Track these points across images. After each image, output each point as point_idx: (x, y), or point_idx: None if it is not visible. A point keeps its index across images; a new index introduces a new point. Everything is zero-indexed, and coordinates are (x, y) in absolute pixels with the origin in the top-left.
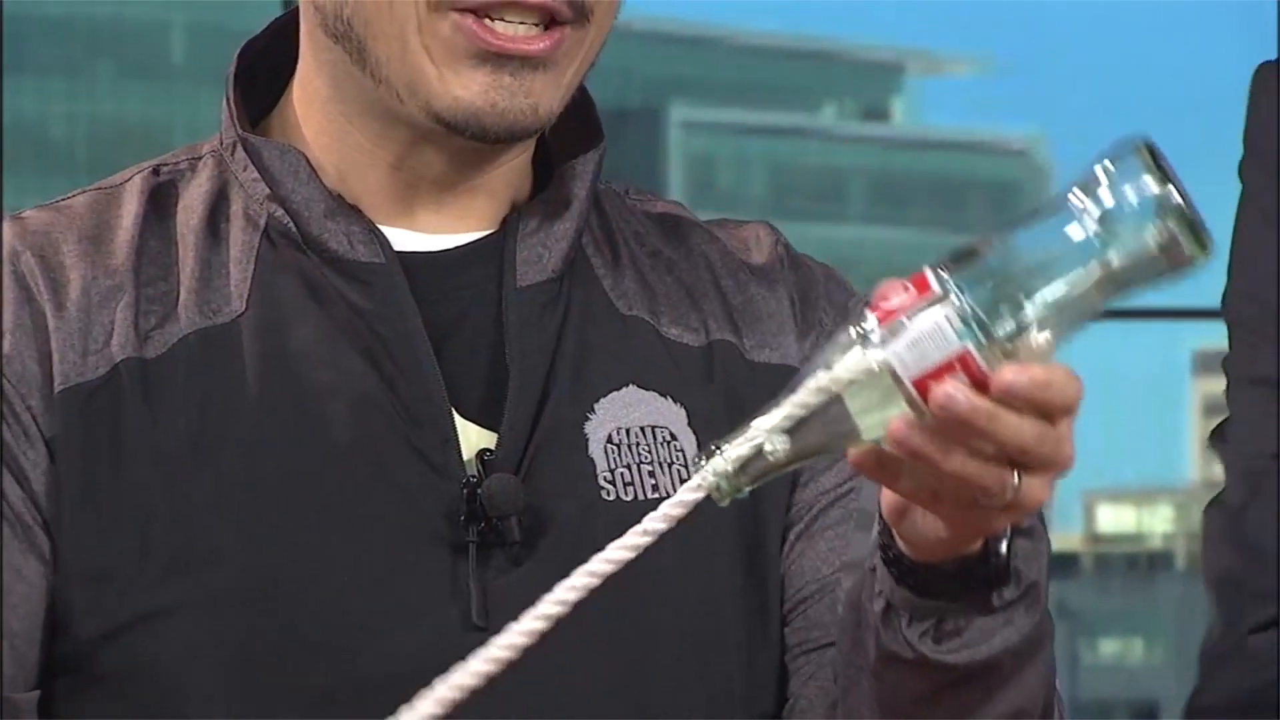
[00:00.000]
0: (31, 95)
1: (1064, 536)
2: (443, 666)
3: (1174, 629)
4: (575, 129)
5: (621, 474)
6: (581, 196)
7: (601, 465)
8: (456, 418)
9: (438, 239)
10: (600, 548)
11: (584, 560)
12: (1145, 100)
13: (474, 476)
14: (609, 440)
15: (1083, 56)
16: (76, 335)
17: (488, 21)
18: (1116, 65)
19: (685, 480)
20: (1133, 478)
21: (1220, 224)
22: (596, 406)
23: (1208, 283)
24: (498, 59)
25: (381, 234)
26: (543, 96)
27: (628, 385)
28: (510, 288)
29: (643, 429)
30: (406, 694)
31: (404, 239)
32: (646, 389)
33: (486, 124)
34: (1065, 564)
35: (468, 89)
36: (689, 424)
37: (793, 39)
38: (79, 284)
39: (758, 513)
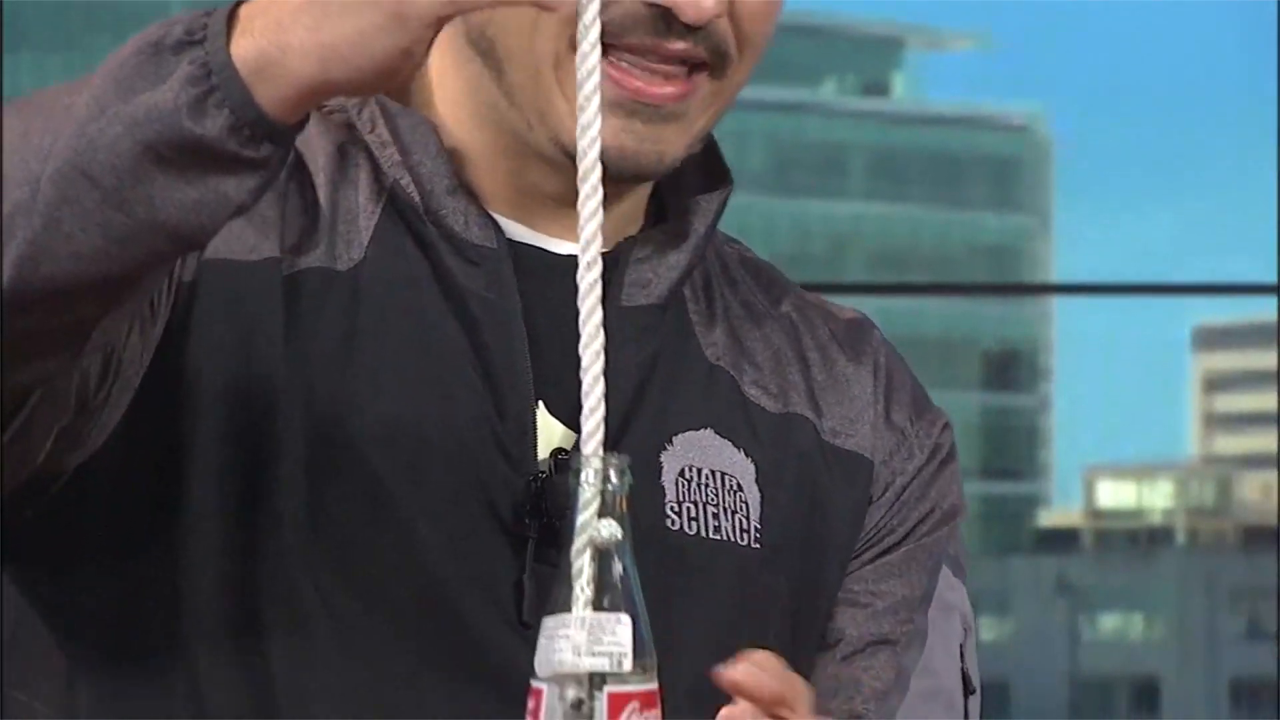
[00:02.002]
0: (30, 72)
1: (1064, 512)
2: (484, 656)
3: (1174, 604)
4: (698, 168)
5: (688, 508)
6: (700, 233)
7: (671, 495)
8: (541, 412)
9: (550, 242)
10: (651, 573)
11: (641, 575)
12: (1146, 75)
13: (544, 472)
14: (681, 474)
15: (1083, 33)
16: (243, 218)
17: (625, 66)
18: (1117, 41)
19: (746, 529)
20: (1133, 453)
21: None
22: (676, 439)
23: (1208, 259)
24: (631, 105)
25: (497, 223)
26: (670, 145)
27: (706, 429)
28: (614, 304)
29: (714, 472)
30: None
31: (519, 232)
32: (723, 437)
33: (611, 165)
34: (1066, 539)
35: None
36: (756, 479)
37: (793, 14)
38: None
39: (814, 606)
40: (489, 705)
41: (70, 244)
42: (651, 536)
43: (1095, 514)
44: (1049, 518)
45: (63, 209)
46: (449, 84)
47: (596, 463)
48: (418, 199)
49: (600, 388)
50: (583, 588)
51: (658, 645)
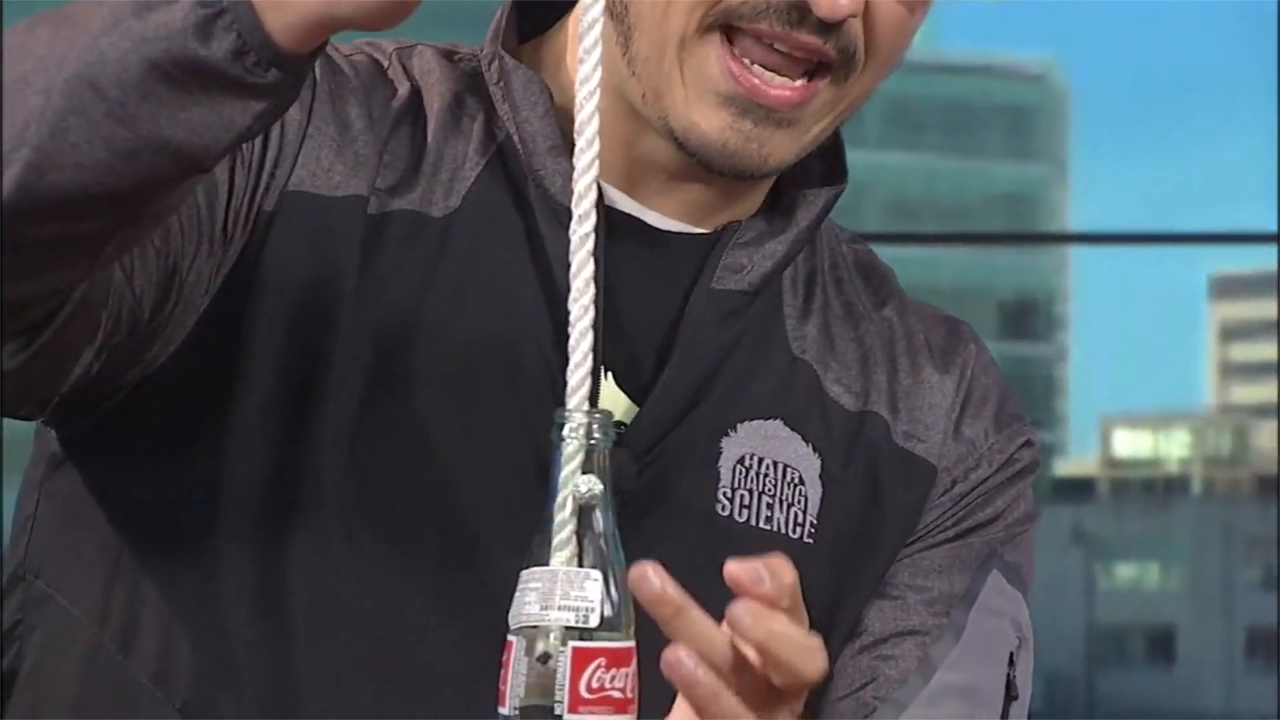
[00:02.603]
0: None
1: (1081, 461)
2: (503, 620)
3: (1190, 553)
4: (819, 165)
5: (741, 495)
6: (803, 226)
7: (725, 480)
8: (608, 384)
9: (652, 216)
10: (695, 555)
11: (684, 559)
12: (1161, 23)
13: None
14: (740, 461)
15: None
16: (334, 152)
17: (747, 61)
18: None
19: (800, 523)
20: (1149, 402)
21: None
22: (740, 426)
23: (1225, 208)
24: (744, 103)
25: (600, 189)
26: (777, 149)
27: (776, 419)
28: (703, 285)
29: (775, 463)
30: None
31: (622, 201)
32: (793, 429)
33: (712, 159)
34: (1082, 489)
35: (707, 120)
36: (819, 476)
37: None
38: (360, 113)
39: (846, 605)
40: (501, 652)
41: (75, 154)
42: (699, 519)
43: (1111, 463)
44: (1065, 467)
45: (70, 119)
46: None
47: (580, 417)
48: (522, 156)
49: (588, 342)
50: (560, 542)
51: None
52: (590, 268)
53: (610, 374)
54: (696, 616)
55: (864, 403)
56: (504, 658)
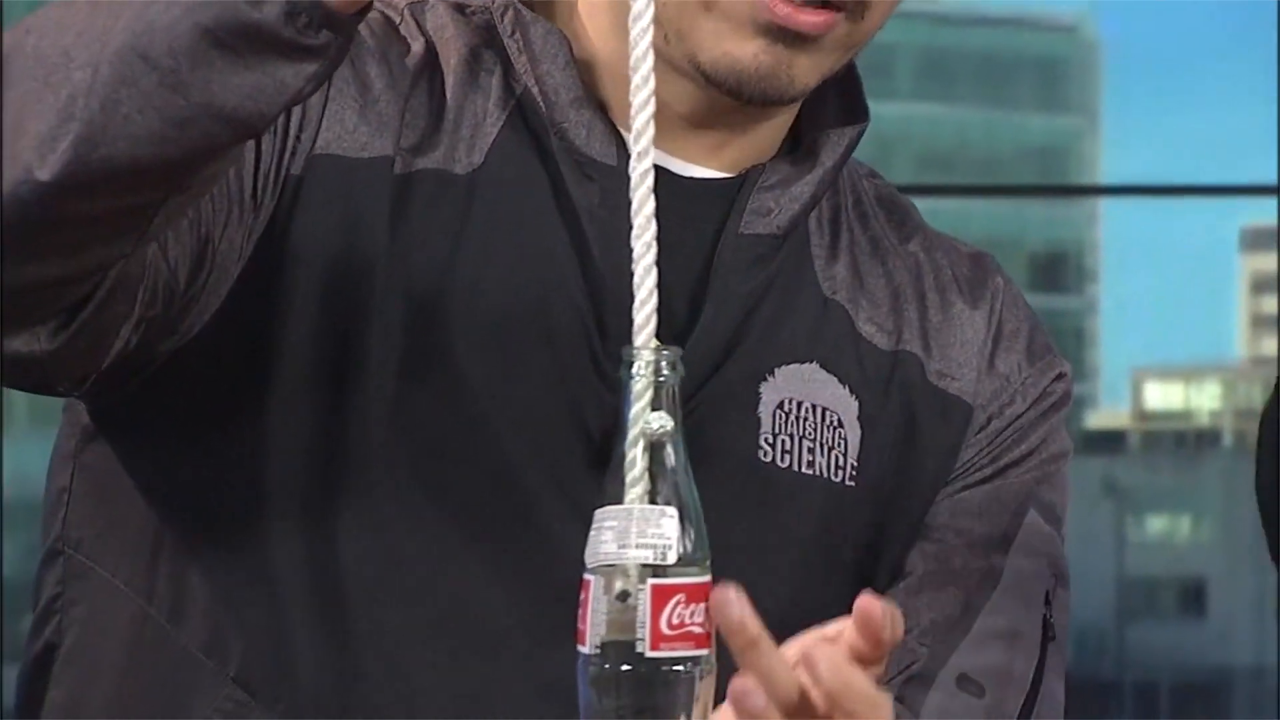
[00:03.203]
0: None
1: (1112, 414)
2: (559, 564)
3: (1221, 506)
4: (836, 102)
5: (783, 441)
6: (828, 166)
7: (766, 426)
8: None
9: (675, 163)
10: (739, 501)
11: (729, 505)
12: None
13: None
14: (780, 406)
15: None
16: (357, 113)
17: None
18: None
19: (842, 466)
20: (1181, 355)
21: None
22: (778, 371)
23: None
24: (776, 30)
25: (622, 138)
26: (802, 72)
27: (812, 362)
28: (732, 230)
29: (814, 406)
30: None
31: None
32: (829, 371)
33: (745, 84)
34: (1113, 441)
35: (740, 49)
36: (858, 417)
37: None
38: (380, 72)
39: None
40: (558, 610)
41: (128, 126)
42: (742, 466)
43: (1142, 415)
44: (1096, 419)
45: (120, 90)
46: None
47: (648, 355)
48: (543, 109)
49: (652, 279)
50: (633, 480)
51: (744, 573)
52: (651, 204)
53: None
54: (768, 650)
55: (897, 341)
56: (582, 597)
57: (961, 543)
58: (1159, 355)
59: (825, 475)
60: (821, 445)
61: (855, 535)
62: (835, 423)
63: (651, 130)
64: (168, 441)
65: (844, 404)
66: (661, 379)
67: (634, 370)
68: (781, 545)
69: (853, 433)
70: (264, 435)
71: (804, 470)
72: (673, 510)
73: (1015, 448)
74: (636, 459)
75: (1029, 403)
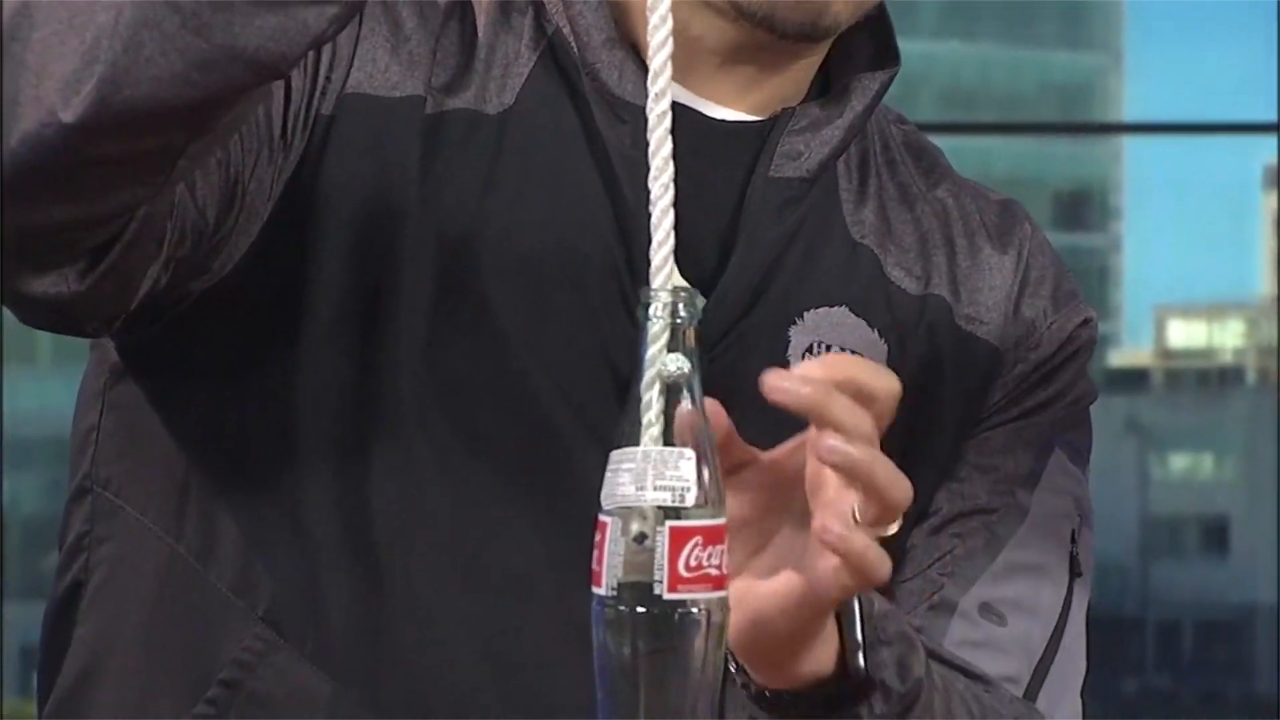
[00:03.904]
0: None
1: (1135, 352)
2: (591, 509)
3: (1244, 444)
4: (867, 46)
5: None
6: (858, 110)
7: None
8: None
9: (705, 105)
10: (769, 447)
11: (757, 447)
12: None
13: None
14: (809, 350)
15: None
16: (389, 53)
17: None
18: None
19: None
20: (1204, 292)
21: None
22: (806, 315)
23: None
24: None
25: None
26: (838, 4)
27: (841, 306)
28: (761, 173)
29: (842, 350)
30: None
31: (677, 93)
32: (858, 315)
33: (778, 18)
34: (1136, 379)
35: None
36: (888, 360)
37: None
38: (411, 11)
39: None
40: (587, 553)
41: (150, 68)
42: (770, 410)
43: (1166, 353)
44: (1119, 357)
45: (143, 33)
46: None
47: (665, 296)
48: (575, 50)
49: (669, 221)
50: (650, 421)
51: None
52: (669, 146)
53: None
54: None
55: (925, 286)
56: (597, 539)
57: (986, 479)
58: (1182, 293)
59: None
60: None
61: None
62: None
63: (669, 70)
64: (198, 381)
65: (874, 348)
66: (679, 320)
67: (651, 311)
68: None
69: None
70: (295, 375)
71: None
72: (690, 453)
73: (1040, 390)
74: (653, 401)
75: (1055, 347)
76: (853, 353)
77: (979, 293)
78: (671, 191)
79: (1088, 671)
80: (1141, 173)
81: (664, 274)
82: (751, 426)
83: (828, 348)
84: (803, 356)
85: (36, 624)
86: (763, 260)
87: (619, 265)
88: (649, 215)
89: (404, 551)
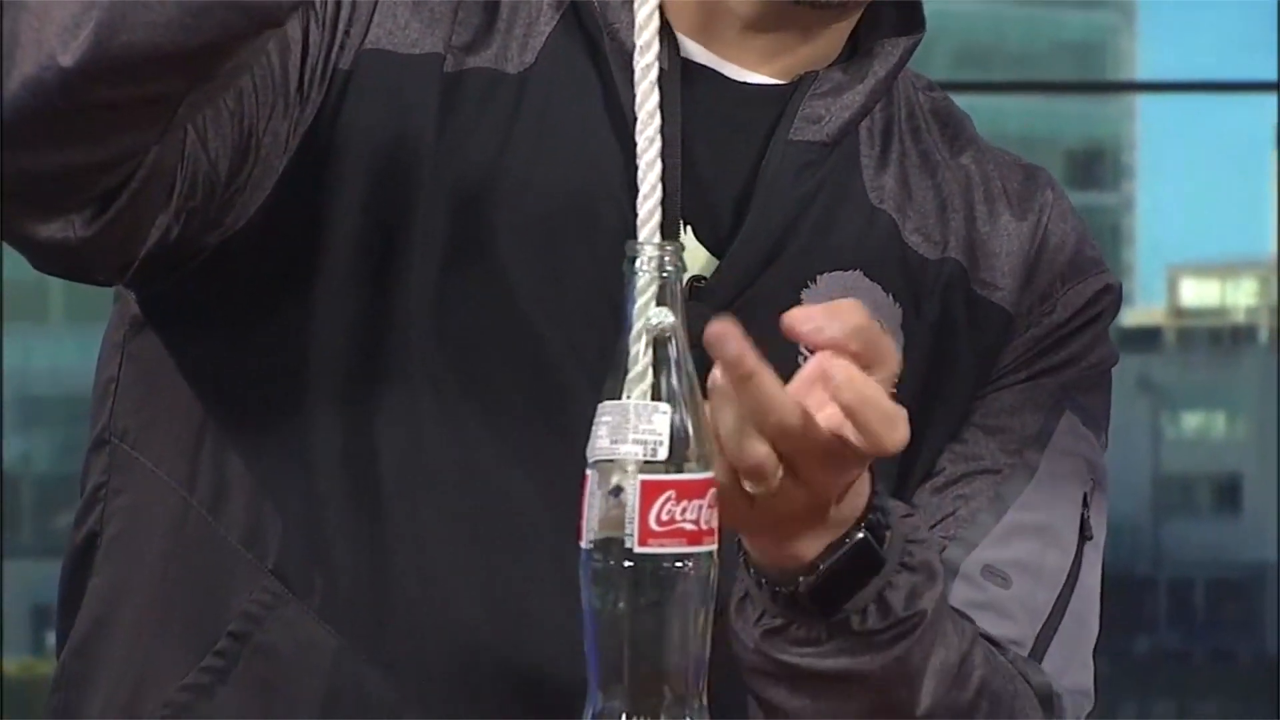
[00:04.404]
0: None
1: (1147, 310)
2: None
3: (1256, 403)
4: (893, 14)
5: None
6: (880, 76)
7: None
8: (687, 235)
9: (729, 68)
10: None
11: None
12: None
13: None
14: None
15: None
16: (410, 10)
17: None
18: None
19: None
20: (1217, 251)
21: None
22: (821, 278)
23: None
24: None
25: (674, 39)
26: None
27: (856, 270)
28: (781, 136)
29: None
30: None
31: (698, 54)
32: (873, 279)
33: None
34: (1149, 338)
35: None
36: (901, 325)
37: None
38: None
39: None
40: None
41: (147, 13)
42: (781, 373)
43: (1178, 312)
44: (1132, 316)
45: None
46: None
47: (651, 250)
48: (597, 9)
49: (655, 174)
50: (635, 376)
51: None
52: (654, 98)
53: (689, 227)
54: (767, 380)
55: (942, 250)
56: (582, 491)
57: (993, 440)
58: (1195, 252)
59: None
60: None
61: None
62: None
63: (656, 23)
64: (213, 331)
65: (887, 312)
66: (665, 274)
67: (637, 265)
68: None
69: (896, 339)
70: (307, 325)
71: None
72: (666, 406)
73: (1052, 354)
74: (639, 355)
75: (1070, 313)
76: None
77: (995, 258)
78: (658, 144)
79: (1099, 630)
80: (1154, 131)
81: (650, 227)
82: None
83: None
84: None
85: (49, 582)
86: (779, 223)
87: (631, 225)
88: (667, 176)
89: (410, 505)
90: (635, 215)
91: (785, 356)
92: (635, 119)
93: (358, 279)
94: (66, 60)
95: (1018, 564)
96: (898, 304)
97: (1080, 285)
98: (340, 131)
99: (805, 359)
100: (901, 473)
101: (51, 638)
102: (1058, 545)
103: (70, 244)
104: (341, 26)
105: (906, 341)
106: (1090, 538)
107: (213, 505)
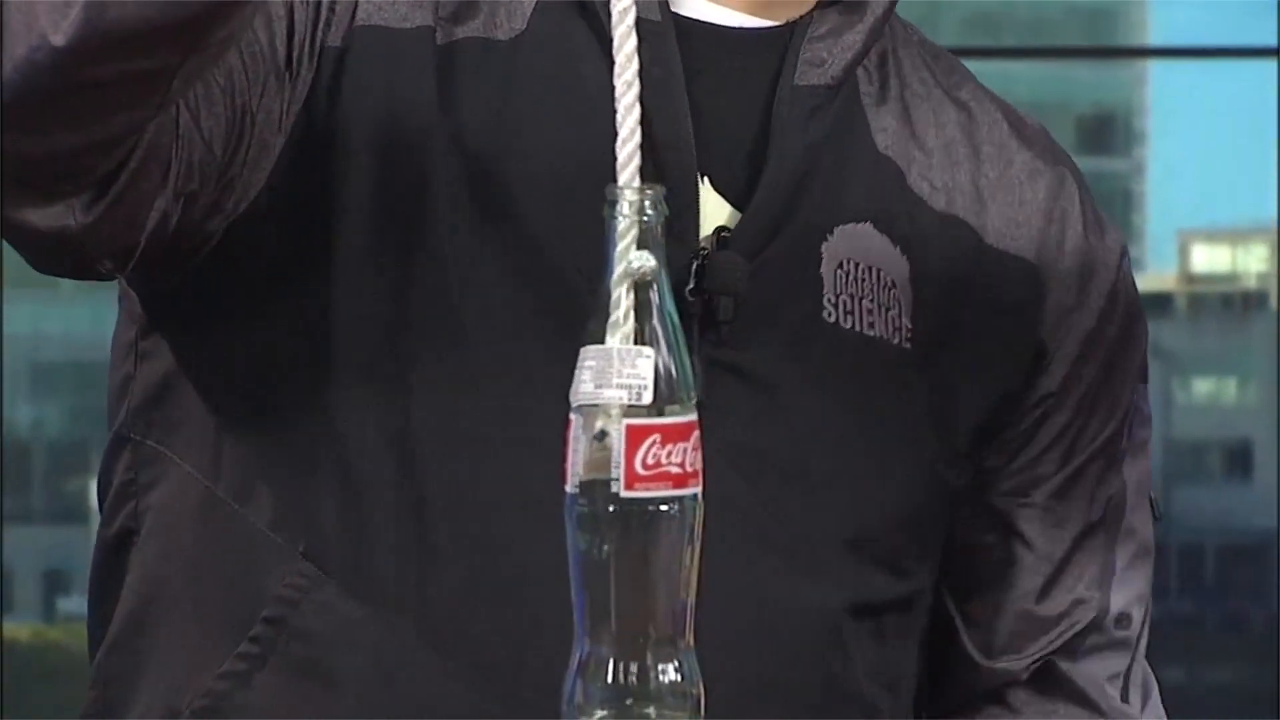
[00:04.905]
0: None
1: (1159, 276)
2: None
3: (1268, 368)
4: None
5: (844, 301)
6: (877, 14)
7: (829, 286)
8: (705, 188)
9: (724, 13)
10: (805, 364)
11: (799, 367)
12: None
13: (705, 249)
14: (840, 265)
15: None
16: None
17: None
18: None
19: (898, 328)
20: (1228, 217)
21: None
22: (836, 230)
23: None
24: None
25: None
26: None
27: (866, 222)
28: (786, 82)
29: (870, 267)
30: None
31: (690, 5)
32: (882, 232)
33: None
34: (1160, 304)
35: None
36: (910, 278)
37: None
38: None
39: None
40: None
41: None
42: (807, 325)
43: (1189, 278)
44: (1143, 282)
45: None
46: None
47: (631, 194)
48: None
49: (634, 118)
50: (616, 320)
51: (810, 436)
52: (632, 42)
53: (706, 178)
54: None
55: (949, 203)
56: (565, 435)
57: (1087, 499)
58: (1206, 217)
59: (885, 337)
60: (880, 306)
61: (915, 398)
62: (889, 283)
63: None
64: (229, 323)
65: (896, 264)
66: (646, 219)
67: (617, 210)
68: (850, 406)
69: (905, 294)
70: (328, 308)
71: (866, 331)
72: (649, 351)
73: (1119, 341)
74: (621, 298)
75: (1113, 272)
76: (879, 271)
77: (1009, 207)
78: (636, 88)
79: None
80: (1166, 97)
81: (629, 171)
82: (786, 342)
83: (856, 265)
84: (834, 273)
85: (59, 549)
86: (795, 172)
87: (646, 177)
88: (674, 125)
89: (448, 477)
90: (652, 170)
91: (809, 308)
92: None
93: (380, 254)
94: (58, 40)
95: (1137, 600)
96: (905, 256)
97: (1106, 239)
98: (341, 110)
99: (829, 313)
100: (928, 429)
101: (62, 604)
102: (1149, 556)
103: (71, 231)
104: (325, 2)
105: (918, 295)
106: (1159, 517)
107: (239, 493)
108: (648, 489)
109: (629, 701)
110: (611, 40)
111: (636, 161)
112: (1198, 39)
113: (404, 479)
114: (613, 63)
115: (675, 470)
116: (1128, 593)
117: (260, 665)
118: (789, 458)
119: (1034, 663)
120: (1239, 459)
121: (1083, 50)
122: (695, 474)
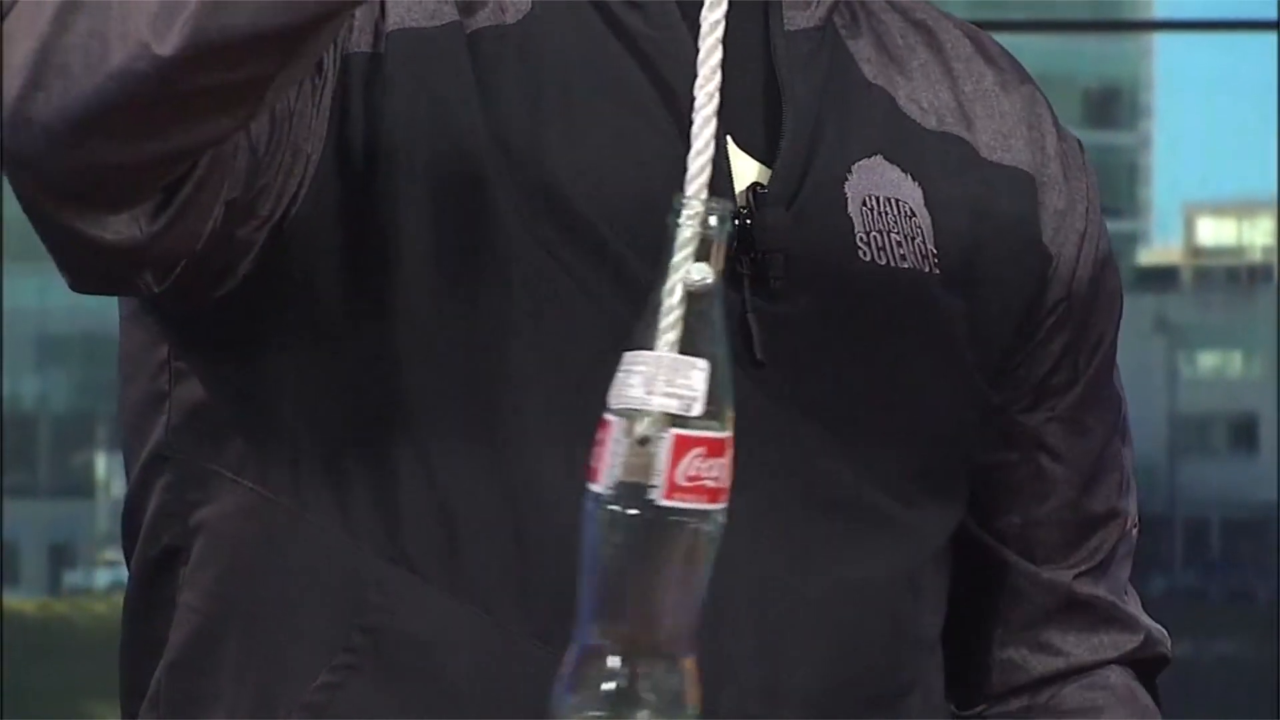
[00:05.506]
0: None
1: (1164, 250)
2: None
3: (1273, 342)
4: None
5: (875, 238)
6: None
7: (858, 225)
8: (731, 147)
9: None
10: (845, 305)
11: (843, 312)
12: None
13: (745, 208)
14: (864, 204)
15: None
16: None
17: None
18: None
19: (925, 255)
20: (1234, 190)
21: None
22: (854, 168)
23: None
24: None
25: None
26: None
27: (876, 155)
28: (778, 29)
29: (889, 199)
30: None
31: None
32: (891, 162)
33: None
34: (1165, 278)
35: None
36: (924, 203)
37: None
38: None
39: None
40: None
41: None
42: (845, 269)
43: (1195, 251)
44: (1148, 255)
45: None
46: None
47: (697, 205)
48: None
49: (710, 130)
50: (667, 327)
51: (865, 381)
52: (718, 55)
53: (729, 136)
54: None
55: (939, 122)
56: (599, 436)
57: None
58: (1212, 191)
59: (917, 266)
60: (907, 237)
61: (950, 321)
62: (909, 211)
63: None
64: (288, 339)
65: (910, 192)
66: (709, 231)
67: (683, 218)
68: (895, 344)
69: (924, 219)
70: (399, 313)
71: (900, 265)
72: (703, 363)
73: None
74: (673, 307)
75: (1090, 174)
76: (897, 201)
77: (991, 120)
78: (715, 101)
79: None
80: (1172, 70)
81: (699, 181)
82: (833, 290)
83: (877, 199)
84: (860, 211)
85: (65, 522)
86: (808, 119)
87: (680, 149)
88: (687, 83)
89: (539, 470)
90: (679, 136)
91: (845, 255)
92: (654, 49)
93: (440, 258)
94: (164, 49)
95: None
96: (915, 182)
97: (1075, 145)
98: (385, 119)
99: (864, 252)
100: (963, 352)
101: (68, 576)
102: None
103: (136, 241)
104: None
105: (935, 218)
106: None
107: (318, 506)
108: (684, 500)
109: (625, 705)
110: (616, 12)
111: (707, 173)
112: (1202, 12)
113: (493, 475)
114: (625, 33)
115: (712, 485)
116: (1133, 497)
117: (358, 673)
118: (847, 405)
119: (1079, 575)
120: (1244, 433)
121: (1088, 24)
122: (725, 491)
